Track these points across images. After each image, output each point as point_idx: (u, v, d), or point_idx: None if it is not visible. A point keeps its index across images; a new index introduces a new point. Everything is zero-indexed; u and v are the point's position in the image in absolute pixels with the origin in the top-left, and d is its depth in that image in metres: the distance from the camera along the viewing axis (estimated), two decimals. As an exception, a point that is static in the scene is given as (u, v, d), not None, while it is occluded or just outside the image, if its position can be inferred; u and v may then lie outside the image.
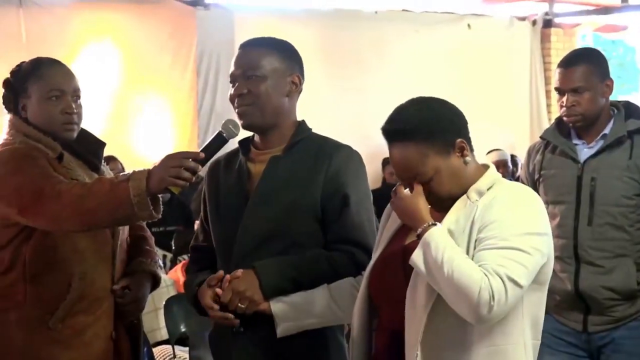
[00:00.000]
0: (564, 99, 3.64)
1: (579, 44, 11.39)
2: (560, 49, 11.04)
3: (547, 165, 3.76)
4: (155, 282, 3.37)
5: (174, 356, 5.14)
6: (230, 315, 2.83)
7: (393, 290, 2.55)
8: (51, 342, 3.09)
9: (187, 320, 5.19)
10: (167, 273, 6.57)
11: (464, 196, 2.50)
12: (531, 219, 2.43)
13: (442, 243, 2.35)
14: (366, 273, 2.68)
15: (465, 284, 2.27)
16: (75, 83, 3.20)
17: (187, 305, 5.06)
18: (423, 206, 2.46)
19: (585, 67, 3.61)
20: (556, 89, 3.69)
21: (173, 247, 7.31)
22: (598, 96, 3.61)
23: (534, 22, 11.37)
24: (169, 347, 5.28)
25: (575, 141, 3.72)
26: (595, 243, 3.60)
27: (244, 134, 2.99)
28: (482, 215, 2.41)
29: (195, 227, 6.99)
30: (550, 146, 3.78)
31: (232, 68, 2.94)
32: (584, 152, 3.69)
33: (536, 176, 3.78)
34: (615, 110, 3.70)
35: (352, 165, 2.92)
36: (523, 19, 11.36)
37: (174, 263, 7.04)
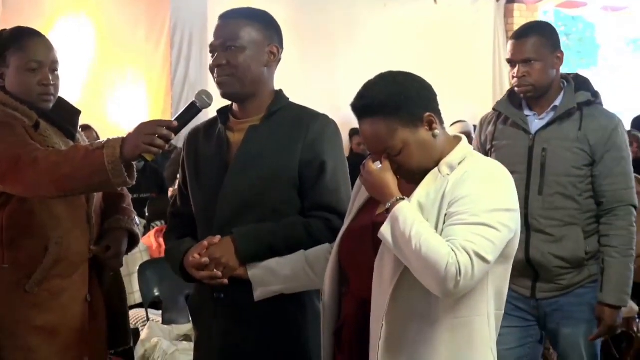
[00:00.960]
0: (515, 69, 3.65)
1: (540, 20, 11.50)
2: (522, 24, 11.19)
3: (499, 136, 3.77)
4: (133, 240, 3.37)
5: (147, 319, 5.17)
6: (218, 273, 2.84)
7: (362, 260, 2.56)
8: (28, 305, 3.11)
9: (160, 284, 5.27)
10: (140, 239, 6.77)
11: (435, 169, 2.49)
12: (501, 195, 2.42)
13: (411, 218, 2.34)
14: (337, 241, 2.70)
15: (433, 259, 2.26)
16: (54, 55, 3.19)
17: (161, 270, 5.21)
18: (391, 181, 2.45)
19: (536, 39, 3.61)
20: (508, 60, 3.70)
21: (146, 214, 7.34)
22: (549, 67, 3.62)
23: (498, -2, 11.51)
24: (142, 310, 5.35)
25: (526, 112, 3.73)
26: (546, 212, 3.62)
27: (222, 102, 3.02)
28: (452, 189, 2.40)
29: (170, 194, 7.11)
30: (502, 117, 3.79)
31: (211, 39, 2.94)
32: (535, 123, 3.70)
33: (488, 146, 3.79)
34: (566, 83, 3.72)
35: (329, 133, 2.94)
36: (488, -6, 11.49)
37: (147, 229, 7.10)
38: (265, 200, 2.90)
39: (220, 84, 2.91)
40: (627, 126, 10.02)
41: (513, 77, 3.69)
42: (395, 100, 2.46)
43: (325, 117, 2.98)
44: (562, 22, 20.68)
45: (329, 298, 2.71)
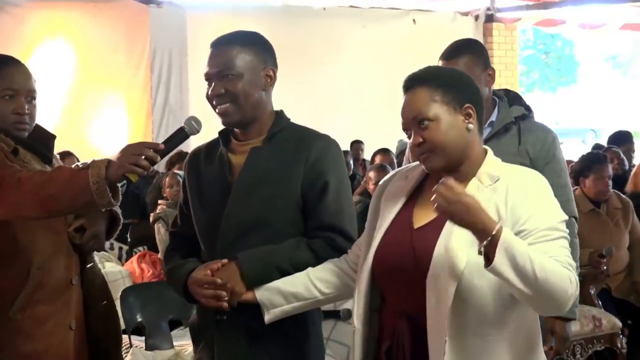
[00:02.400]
0: None
1: (519, 38, 11.63)
2: (502, 43, 11.29)
3: None
4: (114, 220, 3.29)
5: (130, 345, 5.10)
6: (223, 293, 2.81)
7: (402, 274, 2.53)
8: (12, 333, 3.07)
9: (142, 310, 5.19)
10: (123, 265, 6.70)
11: (474, 180, 2.48)
12: (558, 205, 2.50)
13: (521, 247, 2.28)
14: (368, 258, 2.63)
15: (560, 284, 2.29)
16: (31, 84, 3.15)
17: (143, 296, 5.18)
18: (482, 204, 2.33)
19: (467, 58, 3.54)
20: None
21: (129, 240, 7.35)
22: (482, 85, 3.51)
23: (477, 17, 11.65)
24: (125, 336, 5.13)
25: None
26: None
27: (213, 125, 3.00)
28: (515, 204, 2.41)
29: (151, 219, 7.11)
30: None
31: (206, 68, 2.91)
32: None
33: None
34: (497, 99, 3.67)
35: (331, 153, 2.92)
36: (466, 14, 11.62)
37: (129, 255, 7.13)
38: (269, 222, 2.89)
39: (221, 114, 2.90)
40: (605, 142, 10.09)
41: None
42: (447, 79, 2.52)
43: (326, 137, 2.97)
44: (541, 40, 20.83)
45: (363, 314, 2.64)
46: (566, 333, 3.64)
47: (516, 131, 3.61)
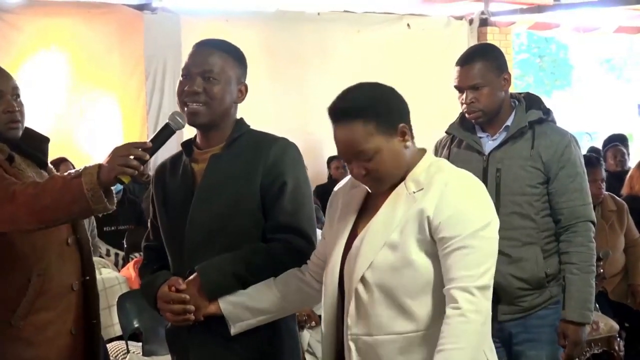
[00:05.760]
0: (464, 96, 3.64)
1: (513, 42, 11.60)
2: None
3: (454, 159, 3.63)
4: None
5: (128, 351, 5.16)
6: (191, 307, 2.86)
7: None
8: (14, 340, 3.10)
9: (139, 316, 5.24)
10: (119, 271, 6.68)
11: (401, 185, 2.56)
12: (484, 207, 2.54)
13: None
14: (334, 264, 2.68)
15: (471, 338, 2.43)
16: (13, 82, 3.18)
17: (140, 302, 5.16)
18: None
19: (482, 64, 3.60)
20: (456, 87, 3.67)
21: (125, 246, 7.35)
22: (496, 91, 3.62)
23: (471, 21, 11.62)
24: (122, 342, 5.33)
25: (479, 134, 3.73)
26: (503, 232, 3.37)
27: (189, 133, 3.06)
28: (436, 211, 2.46)
29: (149, 225, 7.10)
30: (456, 140, 3.79)
31: (188, 61, 2.96)
32: (489, 144, 3.70)
33: None
34: (517, 102, 3.72)
35: (289, 155, 2.96)
36: (460, 18, 11.58)
37: (126, 261, 7.13)
38: (233, 226, 2.92)
39: (191, 113, 2.93)
40: (600, 145, 10.11)
41: (462, 104, 3.69)
42: (376, 106, 2.51)
43: (284, 140, 3.02)
44: (536, 44, 20.87)
45: (330, 320, 2.71)
46: (579, 337, 3.59)
47: (530, 135, 3.64)
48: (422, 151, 2.64)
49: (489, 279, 2.48)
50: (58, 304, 3.17)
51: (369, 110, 2.50)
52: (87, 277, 3.30)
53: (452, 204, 2.47)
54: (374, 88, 2.60)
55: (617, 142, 9.20)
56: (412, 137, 2.59)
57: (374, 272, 2.52)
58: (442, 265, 2.47)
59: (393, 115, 2.54)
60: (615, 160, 8.61)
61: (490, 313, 2.49)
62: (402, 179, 2.58)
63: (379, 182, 2.58)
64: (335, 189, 2.85)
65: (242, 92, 3.02)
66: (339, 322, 2.67)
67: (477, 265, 2.45)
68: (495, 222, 2.55)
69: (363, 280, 2.53)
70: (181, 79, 2.97)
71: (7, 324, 3.08)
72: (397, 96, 2.60)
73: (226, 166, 2.96)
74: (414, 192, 2.52)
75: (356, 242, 2.59)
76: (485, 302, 2.45)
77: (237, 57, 3.02)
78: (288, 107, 9.70)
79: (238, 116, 3.07)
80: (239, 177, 2.93)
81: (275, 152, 2.95)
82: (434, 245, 2.48)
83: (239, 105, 3.06)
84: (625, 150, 8.88)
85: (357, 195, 2.72)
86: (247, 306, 2.86)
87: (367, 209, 2.68)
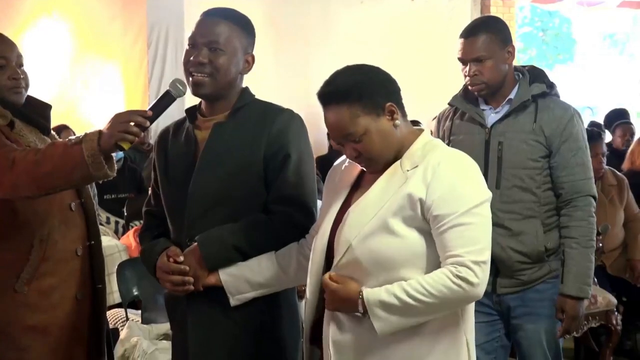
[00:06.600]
0: (467, 68, 3.65)
1: (517, 15, 11.55)
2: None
3: (456, 131, 3.77)
4: None
5: (127, 319, 5.18)
6: (190, 279, 2.89)
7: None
8: (19, 305, 3.13)
9: (138, 284, 5.27)
10: (119, 239, 6.72)
11: (397, 163, 2.60)
12: (477, 186, 2.55)
13: (395, 291, 2.45)
14: (320, 232, 2.73)
15: (450, 296, 2.43)
16: (17, 50, 3.21)
17: (139, 270, 5.19)
18: (347, 287, 2.56)
19: (486, 36, 3.61)
20: (459, 59, 3.67)
21: (125, 214, 7.37)
22: (500, 63, 3.62)
23: (475, -6, 11.56)
24: (121, 310, 5.36)
25: (482, 106, 3.75)
26: (504, 205, 3.60)
27: (195, 100, 3.06)
28: (430, 190, 2.49)
29: (149, 193, 7.11)
30: (458, 112, 3.80)
31: (194, 30, 2.95)
32: (491, 117, 3.72)
33: (446, 142, 3.73)
34: (520, 75, 3.73)
35: (293, 126, 2.97)
36: (464, -10, 11.52)
37: (126, 229, 7.15)
38: (234, 196, 2.93)
39: (196, 84, 2.92)
40: (601, 120, 10.08)
41: (465, 76, 3.69)
42: (359, 88, 2.55)
43: (289, 111, 3.02)
44: (539, 18, 20.82)
45: (316, 287, 2.75)
46: (576, 312, 3.60)
47: (533, 109, 3.64)
48: (419, 131, 2.67)
49: (486, 256, 2.49)
50: (62, 269, 3.20)
51: (353, 92, 2.54)
52: (92, 242, 3.31)
53: (445, 182, 2.49)
54: (359, 70, 2.63)
55: (618, 116, 9.16)
56: (404, 115, 2.63)
57: (361, 243, 2.54)
58: (437, 243, 2.49)
59: (379, 95, 2.57)
60: (624, 139, 8.49)
61: (482, 294, 2.50)
62: (398, 157, 2.61)
63: (372, 162, 2.62)
64: (335, 163, 2.87)
65: (249, 62, 3.01)
66: (323, 291, 2.69)
67: (474, 242, 2.47)
68: (489, 202, 2.56)
69: (350, 250, 2.56)
70: (187, 47, 2.96)
71: (12, 290, 3.11)
72: (383, 76, 2.63)
73: (230, 135, 2.95)
74: (408, 170, 2.56)
75: (346, 215, 2.62)
76: (481, 276, 2.46)
77: (244, 26, 3.00)
78: (290, 78, 9.65)
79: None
80: (242, 146, 2.93)
81: (280, 123, 2.95)
82: (426, 223, 2.50)
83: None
84: (634, 129, 8.75)
85: (353, 171, 2.75)
86: (247, 279, 2.89)
87: (361, 185, 2.71)
